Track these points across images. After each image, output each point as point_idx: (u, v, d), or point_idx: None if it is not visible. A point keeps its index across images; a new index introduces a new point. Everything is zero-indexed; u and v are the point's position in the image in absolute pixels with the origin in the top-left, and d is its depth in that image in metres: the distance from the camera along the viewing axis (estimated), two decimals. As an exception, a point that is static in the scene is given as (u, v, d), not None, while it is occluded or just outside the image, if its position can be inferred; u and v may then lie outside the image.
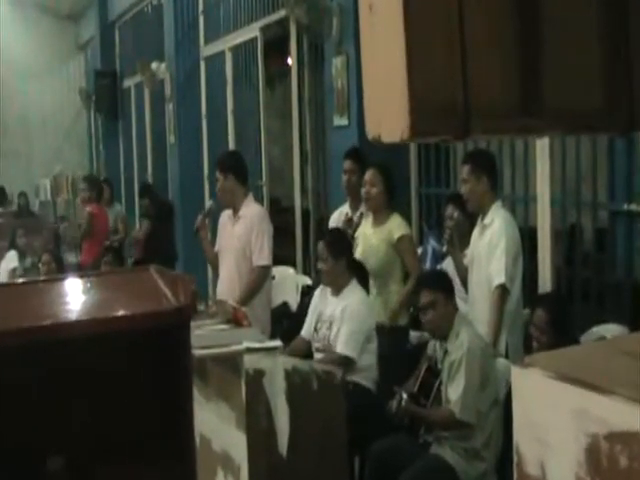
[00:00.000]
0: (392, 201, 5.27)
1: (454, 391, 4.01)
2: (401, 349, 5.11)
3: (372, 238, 5.19)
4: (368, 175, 5.23)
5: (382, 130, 1.40)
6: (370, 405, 4.56)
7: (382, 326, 4.93)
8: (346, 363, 4.57)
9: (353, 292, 4.78)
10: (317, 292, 5.06)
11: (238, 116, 9.19)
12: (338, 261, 4.80)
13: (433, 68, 1.34)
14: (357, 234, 5.28)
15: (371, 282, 5.16)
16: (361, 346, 4.64)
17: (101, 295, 1.88)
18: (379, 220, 5.23)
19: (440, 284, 4.23)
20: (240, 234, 5.51)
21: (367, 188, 5.21)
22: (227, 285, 5.51)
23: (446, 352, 4.13)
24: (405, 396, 4.14)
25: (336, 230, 5.29)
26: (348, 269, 4.84)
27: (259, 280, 5.51)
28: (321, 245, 4.88)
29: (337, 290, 4.82)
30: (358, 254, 5.17)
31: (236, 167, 5.65)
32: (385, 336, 4.87)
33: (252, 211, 5.65)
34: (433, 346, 4.41)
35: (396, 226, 5.17)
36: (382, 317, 5.03)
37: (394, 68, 1.33)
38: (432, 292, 4.18)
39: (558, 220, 5.12)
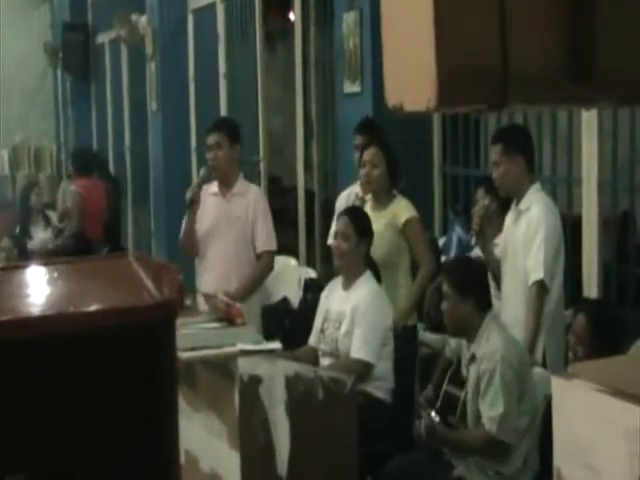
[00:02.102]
0: (396, 183, 5.28)
1: (490, 407, 4.00)
2: (412, 352, 5.13)
3: (375, 225, 5.20)
4: (368, 155, 5.26)
5: (405, 98, 1.40)
6: (384, 418, 4.57)
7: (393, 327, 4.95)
8: (363, 369, 4.59)
9: (365, 285, 4.80)
10: (324, 293, 5.07)
11: (232, 80, 9.17)
12: (360, 243, 4.83)
13: (466, 26, 1.33)
14: None
15: None
16: (379, 348, 4.66)
17: (70, 286, 1.88)
18: (381, 204, 5.25)
19: (455, 277, 4.25)
20: (239, 215, 5.52)
21: (367, 169, 5.24)
22: (218, 275, 5.49)
23: (473, 357, 4.14)
24: (437, 419, 4.14)
25: (359, 209, 5.31)
26: (366, 257, 4.87)
27: (269, 267, 5.58)
28: (343, 220, 4.91)
29: (349, 281, 4.84)
30: None
31: (240, 138, 5.72)
32: (394, 337, 4.89)
33: (252, 190, 5.74)
34: (454, 350, 4.41)
35: (401, 209, 5.19)
36: (395, 318, 5.04)
37: (420, 25, 1.33)
38: (446, 284, 4.23)
39: (607, 207, 5.11)
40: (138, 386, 1.64)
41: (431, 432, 4.10)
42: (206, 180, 5.67)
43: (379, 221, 5.20)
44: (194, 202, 5.52)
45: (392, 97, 1.42)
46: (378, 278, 4.97)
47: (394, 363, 4.78)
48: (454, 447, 4.18)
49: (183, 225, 5.70)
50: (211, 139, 5.64)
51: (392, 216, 5.19)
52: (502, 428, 3.98)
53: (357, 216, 4.98)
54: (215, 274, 5.51)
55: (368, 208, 5.32)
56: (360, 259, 4.85)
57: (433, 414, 4.15)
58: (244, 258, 5.53)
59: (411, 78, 1.35)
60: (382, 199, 5.26)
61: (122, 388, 1.62)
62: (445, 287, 4.24)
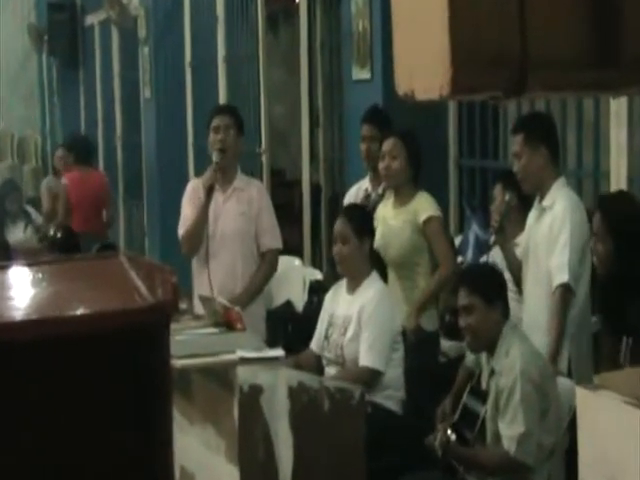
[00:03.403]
0: (417, 176, 5.29)
1: (509, 426, 3.99)
2: (429, 360, 5.13)
3: (393, 221, 5.21)
4: (387, 146, 5.27)
5: (416, 85, 1.40)
6: (394, 432, 4.58)
7: (405, 331, 4.96)
8: (371, 378, 4.59)
9: (372, 286, 4.81)
10: (328, 295, 5.08)
11: (232, 65, 9.17)
12: (362, 243, 4.83)
13: (482, 7, 1.34)
14: (375, 217, 5.30)
15: (392, 275, 5.17)
16: (388, 354, 4.67)
17: (56, 288, 1.88)
18: (402, 199, 5.27)
19: (483, 285, 4.23)
20: (243, 211, 5.53)
21: (386, 162, 5.26)
22: (223, 275, 5.47)
23: (493, 372, 4.14)
24: (454, 437, 4.14)
25: (357, 206, 5.32)
26: (370, 257, 4.88)
27: (274, 267, 5.63)
28: (341, 222, 4.92)
29: (354, 284, 4.85)
30: (376, 242, 5.20)
31: (243, 132, 5.72)
32: (409, 343, 4.89)
33: (254, 184, 5.81)
34: (475, 359, 4.41)
35: (422, 206, 5.20)
36: (405, 320, 5.05)
37: (432, 7, 1.33)
38: (470, 294, 4.18)
39: (637, 202, 5.10)
40: (128, 396, 1.64)
41: (446, 449, 4.09)
42: (221, 165, 5.59)
43: (398, 217, 5.22)
44: (212, 189, 5.50)
45: (403, 84, 1.42)
46: (384, 276, 4.97)
47: (408, 372, 4.79)
48: (469, 466, 4.18)
49: (184, 219, 5.65)
50: (221, 121, 5.60)
51: (412, 213, 5.20)
52: (522, 448, 3.96)
53: (355, 215, 4.97)
54: (219, 275, 5.48)
55: (388, 204, 5.32)
56: (364, 260, 4.85)
57: (449, 432, 4.16)
58: (249, 257, 5.54)
59: (423, 63, 1.34)
60: (403, 194, 5.27)
61: (110, 399, 1.63)
62: (467, 298, 4.18)
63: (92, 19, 13.10)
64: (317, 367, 4.88)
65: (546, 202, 4.62)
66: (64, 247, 6.63)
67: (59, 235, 7.24)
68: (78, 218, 9.05)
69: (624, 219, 4.10)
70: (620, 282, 4.06)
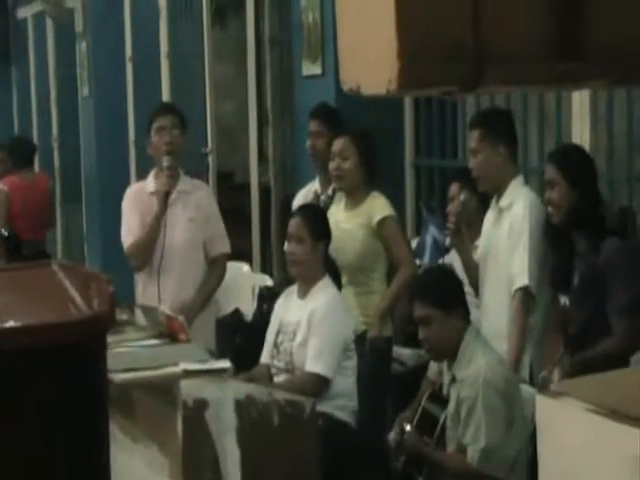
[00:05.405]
0: (372, 178, 5.28)
1: (472, 439, 4.00)
2: (385, 367, 5.14)
3: (346, 225, 5.22)
4: (337, 146, 5.26)
5: (362, 79, 1.39)
6: (348, 445, 4.57)
7: (361, 337, 4.96)
8: (318, 385, 4.58)
9: (324, 291, 4.81)
10: (279, 302, 5.07)
11: (175, 61, 9.15)
12: (317, 245, 4.83)
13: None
14: None
15: (345, 280, 5.17)
16: (337, 362, 4.66)
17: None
18: (354, 202, 5.27)
19: (438, 294, 4.22)
20: (191, 216, 5.49)
21: (337, 163, 5.25)
22: (177, 288, 5.43)
23: (454, 379, 4.14)
24: (409, 428, 4.14)
25: (314, 206, 5.31)
26: (324, 261, 4.87)
27: (225, 272, 5.63)
28: (296, 222, 4.91)
29: (306, 288, 4.85)
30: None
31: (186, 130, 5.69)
32: (364, 350, 4.89)
33: (200, 187, 5.79)
34: (437, 368, 4.42)
35: (376, 207, 5.21)
36: (360, 325, 5.06)
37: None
38: (426, 306, 4.18)
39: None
40: (61, 414, 1.62)
41: (404, 444, 4.10)
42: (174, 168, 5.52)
43: (352, 220, 5.22)
44: (168, 196, 5.41)
45: (348, 78, 1.40)
46: (338, 282, 4.97)
47: (364, 380, 4.78)
48: (432, 468, 4.16)
49: (130, 230, 5.54)
50: (166, 121, 5.54)
51: (366, 215, 5.20)
52: (487, 462, 3.98)
53: (311, 216, 4.97)
54: (170, 287, 5.43)
55: (340, 207, 5.32)
56: (318, 264, 4.86)
57: (406, 425, 4.17)
58: (200, 265, 5.51)
59: (369, 56, 1.33)
60: (356, 196, 5.27)
61: (42, 416, 1.60)
62: (423, 310, 4.18)
63: (25, 12, 13.00)
64: (271, 382, 4.86)
65: (503, 202, 4.64)
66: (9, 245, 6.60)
67: (4, 233, 7.18)
68: (22, 227, 8.94)
69: (577, 163, 4.33)
70: (575, 222, 4.28)
